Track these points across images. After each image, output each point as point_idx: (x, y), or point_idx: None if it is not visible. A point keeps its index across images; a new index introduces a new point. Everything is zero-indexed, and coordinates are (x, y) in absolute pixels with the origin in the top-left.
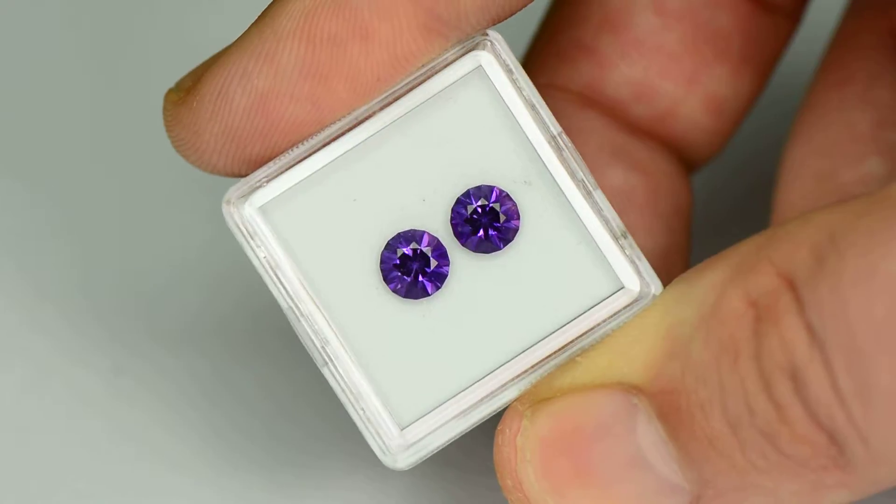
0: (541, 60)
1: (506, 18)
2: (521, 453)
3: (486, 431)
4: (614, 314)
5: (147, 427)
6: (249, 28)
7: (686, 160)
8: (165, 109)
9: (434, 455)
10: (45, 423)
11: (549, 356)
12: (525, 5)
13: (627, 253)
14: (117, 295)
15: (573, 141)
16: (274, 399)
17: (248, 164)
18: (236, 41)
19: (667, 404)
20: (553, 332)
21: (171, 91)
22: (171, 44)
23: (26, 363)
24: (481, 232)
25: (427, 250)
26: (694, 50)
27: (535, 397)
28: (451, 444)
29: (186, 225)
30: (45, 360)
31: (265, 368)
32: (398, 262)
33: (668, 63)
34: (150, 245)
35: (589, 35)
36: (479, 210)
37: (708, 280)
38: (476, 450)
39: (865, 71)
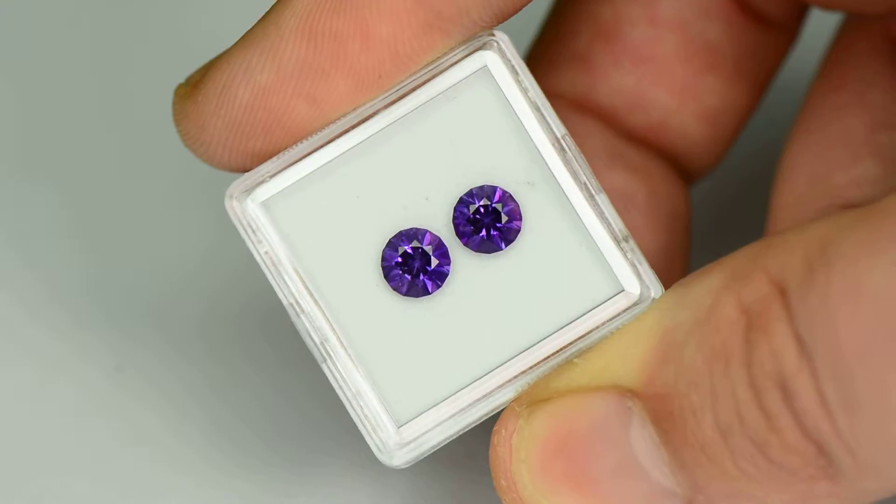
0: (536, 69)
1: (509, 16)
2: (516, 453)
3: (488, 431)
4: (614, 317)
5: (149, 426)
6: (255, 25)
7: (682, 170)
8: (174, 104)
9: (435, 454)
10: (50, 422)
11: (548, 357)
12: (527, 2)
13: (629, 256)
14: (123, 294)
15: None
16: (276, 399)
17: (253, 159)
18: (242, 37)
19: (660, 408)
20: (552, 334)
21: (180, 86)
22: (182, 45)
23: (32, 362)
24: (483, 232)
25: (428, 249)
26: (686, 61)
27: (532, 398)
28: (452, 443)
29: (192, 226)
30: (51, 359)
31: (267, 369)
32: (399, 260)
33: (661, 73)
34: (157, 246)
35: (583, 45)
36: (482, 210)
37: (704, 285)
38: (478, 449)
39: (861, 74)
